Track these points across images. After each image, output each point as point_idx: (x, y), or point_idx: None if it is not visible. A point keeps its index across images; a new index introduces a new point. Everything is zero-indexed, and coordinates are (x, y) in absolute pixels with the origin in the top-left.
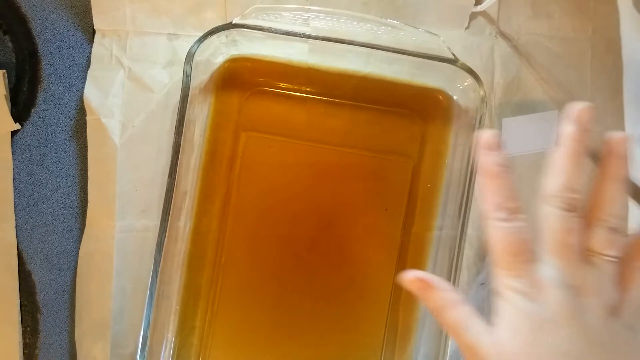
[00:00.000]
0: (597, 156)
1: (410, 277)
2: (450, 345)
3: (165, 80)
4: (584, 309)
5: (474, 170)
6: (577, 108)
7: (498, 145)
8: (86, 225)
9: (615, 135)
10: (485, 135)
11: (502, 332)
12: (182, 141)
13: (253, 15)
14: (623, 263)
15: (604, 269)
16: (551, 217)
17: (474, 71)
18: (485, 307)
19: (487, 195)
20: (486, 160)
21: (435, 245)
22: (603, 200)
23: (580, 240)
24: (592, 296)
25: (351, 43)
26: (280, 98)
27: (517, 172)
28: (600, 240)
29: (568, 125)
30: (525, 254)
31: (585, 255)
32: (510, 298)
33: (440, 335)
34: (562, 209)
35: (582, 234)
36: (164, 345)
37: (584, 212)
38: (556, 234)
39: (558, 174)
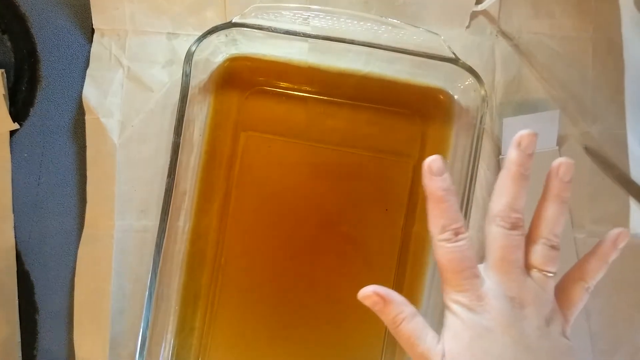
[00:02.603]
0: (598, 155)
1: (367, 292)
2: None
3: (164, 80)
4: (522, 318)
5: (475, 169)
6: (520, 134)
7: (441, 170)
8: (85, 225)
9: (565, 160)
10: (428, 161)
11: (448, 343)
12: (181, 141)
13: (253, 14)
14: (565, 277)
15: (543, 283)
16: (495, 235)
17: (474, 70)
18: None
19: (432, 218)
20: (430, 185)
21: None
22: (545, 219)
23: (520, 256)
24: (530, 307)
25: (351, 42)
26: (280, 97)
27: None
28: (540, 256)
29: (511, 150)
30: (468, 270)
31: (526, 270)
32: (456, 311)
33: None
34: (505, 228)
35: (522, 251)
36: (163, 346)
37: (525, 230)
38: (498, 251)
39: (502, 195)
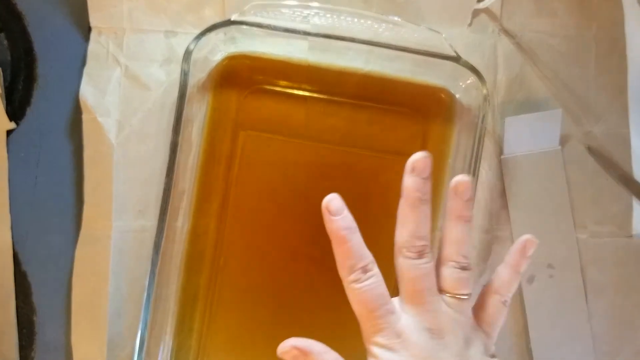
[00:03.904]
0: (600, 155)
1: (285, 347)
2: None
3: (162, 79)
4: (442, 348)
5: (477, 169)
6: (412, 159)
7: (339, 209)
8: (82, 225)
9: (461, 178)
10: (325, 202)
11: None
12: (179, 140)
13: (252, 12)
14: (481, 293)
15: (458, 307)
16: (402, 267)
17: (476, 69)
18: None
19: (339, 261)
20: (331, 227)
21: (437, 246)
22: (451, 241)
23: (432, 284)
24: (449, 334)
25: (352, 40)
26: (279, 96)
27: (520, 171)
28: (450, 280)
29: (407, 177)
30: (382, 307)
31: (439, 296)
32: (376, 353)
33: None
34: (411, 258)
35: (433, 277)
36: (161, 348)
37: (435, 254)
38: (409, 283)
39: (404, 225)
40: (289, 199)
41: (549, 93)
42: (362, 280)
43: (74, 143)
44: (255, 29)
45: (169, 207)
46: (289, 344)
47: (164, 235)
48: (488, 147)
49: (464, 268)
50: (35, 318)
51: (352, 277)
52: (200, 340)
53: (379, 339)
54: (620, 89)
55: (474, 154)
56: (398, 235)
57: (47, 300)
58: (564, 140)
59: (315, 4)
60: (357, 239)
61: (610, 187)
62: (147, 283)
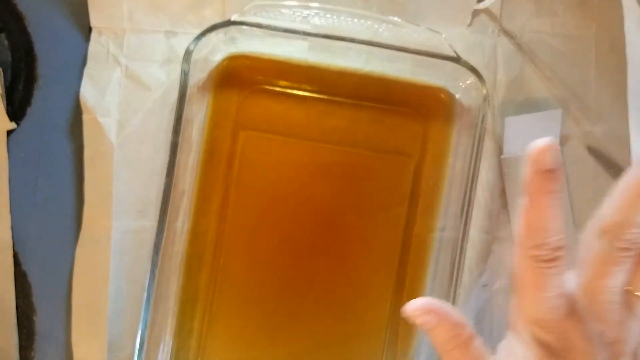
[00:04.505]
0: (601, 155)
1: (416, 307)
2: None
3: (162, 79)
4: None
5: (477, 169)
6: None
7: (557, 163)
8: (82, 225)
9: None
10: (540, 148)
11: None
12: (179, 140)
13: (252, 12)
14: None
15: None
16: (599, 251)
17: (476, 69)
18: (487, 309)
19: (526, 223)
20: (536, 183)
21: (437, 246)
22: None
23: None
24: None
25: (351, 40)
26: (279, 96)
27: (520, 171)
28: None
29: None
30: (565, 307)
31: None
32: (533, 347)
33: None
34: (619, 248)
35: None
36: (161, 348)
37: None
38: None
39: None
40: (289, 198)
41: (549, 93)
42: (549, 259)
43: (74, 143)
44: (255, 29)
45: (169, 207)
46: (421, 304)
47: (164, 235)
48: (488, 147)
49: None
50: (35, 318)
51: (540, 252)
52: (200, 340)
53: (543, 334)
54: (620, 89)
55: (474, 154)
56: (606, 212)
57: (47, 300)
58: (564, 140)
59: (315, 4)
60: (559, 207)
61: (610, 187)
62: (147, 283)
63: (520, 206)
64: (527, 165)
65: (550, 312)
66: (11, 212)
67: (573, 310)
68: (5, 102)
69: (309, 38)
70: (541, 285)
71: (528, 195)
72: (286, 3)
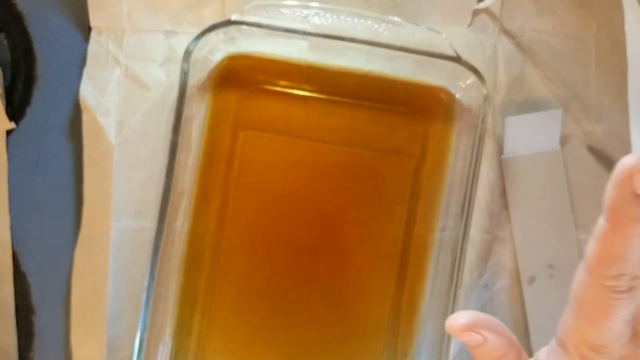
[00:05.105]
0: (602, 155)
1: (461, 324)
2: (452, 348)
3: (162, 78)
4: None
5: (477, 169)
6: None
7: None
8: (82, 226)
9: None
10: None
11: None
12: (179, 140)
13: (252, 12)
14: None
15: None
16: None
17: (476, 69)
18: (488, 310)
19: (605, 247)
20: (626, 202)
21: (437, 247)
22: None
23: None
24: None
25: (351, 40)
26: (279, 96)
27: (521, 171)
28: None
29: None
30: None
31: None
32: None
33: (442, 339)
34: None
35: None
36: (160, 349)
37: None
38: None
39: None
40: (289, 199)
41: (550, 93)
42: (624, 290)
43: (73, 143)
44: (255, 29)
45: (169, 208)
46: (465, 319)
47: (164, 235)
48: (488, 147)
49: None
50: (34, 318)
51: (617, 283)
52: (200, 341)
53: (596, 356)
54: (621, 89)
55: (474, 154)
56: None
57: (46, 301)
58: (564, 140)
59: (315, 4)
60: None
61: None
62: (146, 284)
63: (598, 229)
64: (612, 186)
65: (615, 340)
66: (10, 212)
67: (636, 334)
68: (4, 102)
69: (309, 38)
70: (611, 315)
71: (610, 221)
72: (286, 3)
